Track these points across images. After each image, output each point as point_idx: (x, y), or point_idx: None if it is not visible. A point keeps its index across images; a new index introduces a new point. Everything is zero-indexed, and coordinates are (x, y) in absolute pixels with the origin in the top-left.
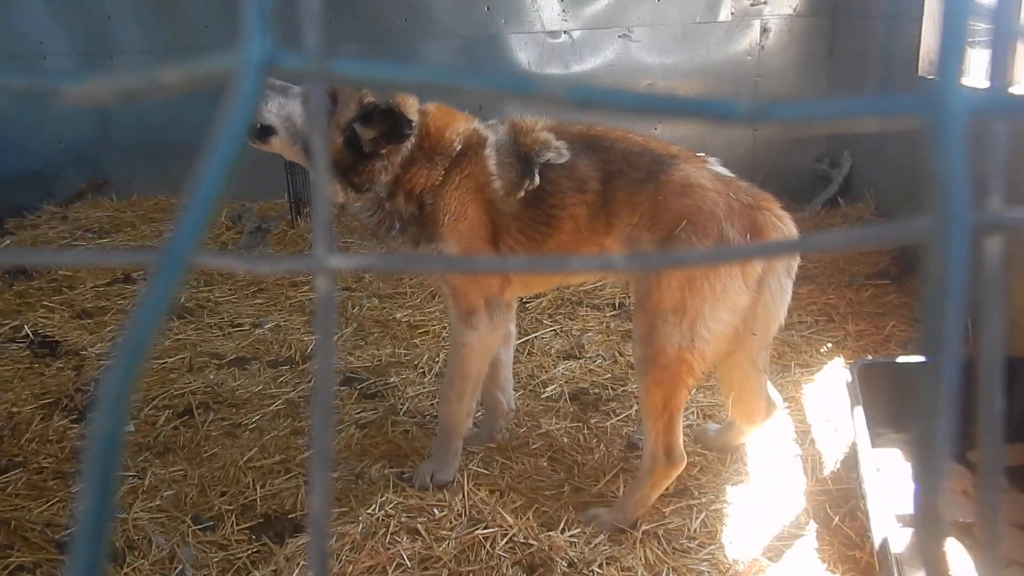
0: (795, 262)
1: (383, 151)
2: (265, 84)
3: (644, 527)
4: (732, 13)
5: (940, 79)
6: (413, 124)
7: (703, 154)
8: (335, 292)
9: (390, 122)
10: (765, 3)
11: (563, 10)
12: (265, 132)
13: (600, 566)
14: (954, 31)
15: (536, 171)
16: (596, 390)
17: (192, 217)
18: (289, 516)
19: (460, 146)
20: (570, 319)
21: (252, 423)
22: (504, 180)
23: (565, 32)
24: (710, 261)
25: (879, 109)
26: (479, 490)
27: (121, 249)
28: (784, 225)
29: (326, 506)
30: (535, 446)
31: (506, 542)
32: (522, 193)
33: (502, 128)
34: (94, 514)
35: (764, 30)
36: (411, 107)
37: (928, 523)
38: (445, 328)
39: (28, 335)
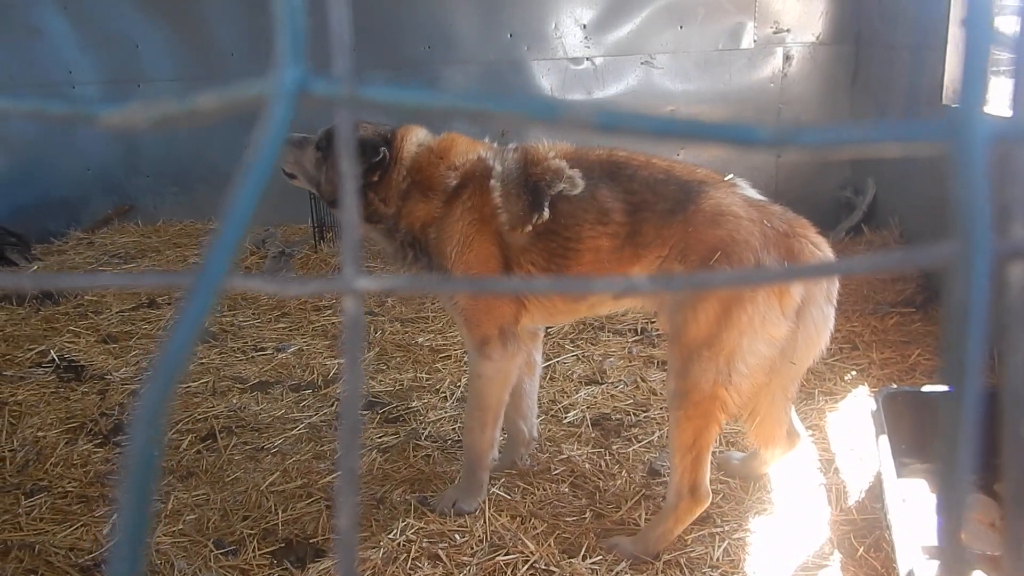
0: (835, 288)
1: (373, 181)
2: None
3: (666, 556)
4: (755, 41)
5: (963, 106)
6: (380, 151)
7: (731, 176)
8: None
9: (363, 154)
10: (788, 31)
11: (585, 37)
12: (289, 175)
13: None
14: (976, 58)
15: (545, 204)
16: (618, 416)
17: (225, 239)
18: (311, 541)
19: (458, 179)
20: (592, 344)
21: (274, 447)
22: (510, 213)
23: (587, 59)
24: (737, 283)
25: (902, 135)
26: (500, 515)
27: (154, 272)
28: (821, 251)
29: (353, 527)
30: (557, 472)
31: (527, 568)
32: (530, 227)
33: (513, 157)
34: (132, 528)
35: (787, 58)
36: (408, 138)
37: (952, 552)
38: (467, 353)
39: (54, 360)
